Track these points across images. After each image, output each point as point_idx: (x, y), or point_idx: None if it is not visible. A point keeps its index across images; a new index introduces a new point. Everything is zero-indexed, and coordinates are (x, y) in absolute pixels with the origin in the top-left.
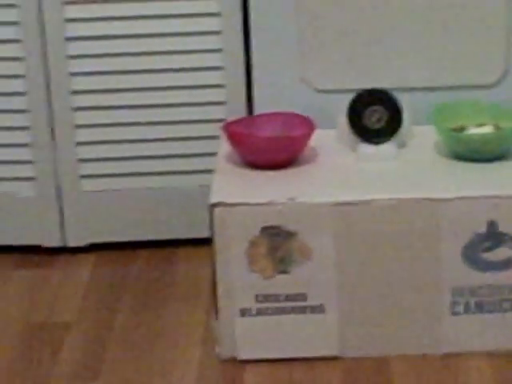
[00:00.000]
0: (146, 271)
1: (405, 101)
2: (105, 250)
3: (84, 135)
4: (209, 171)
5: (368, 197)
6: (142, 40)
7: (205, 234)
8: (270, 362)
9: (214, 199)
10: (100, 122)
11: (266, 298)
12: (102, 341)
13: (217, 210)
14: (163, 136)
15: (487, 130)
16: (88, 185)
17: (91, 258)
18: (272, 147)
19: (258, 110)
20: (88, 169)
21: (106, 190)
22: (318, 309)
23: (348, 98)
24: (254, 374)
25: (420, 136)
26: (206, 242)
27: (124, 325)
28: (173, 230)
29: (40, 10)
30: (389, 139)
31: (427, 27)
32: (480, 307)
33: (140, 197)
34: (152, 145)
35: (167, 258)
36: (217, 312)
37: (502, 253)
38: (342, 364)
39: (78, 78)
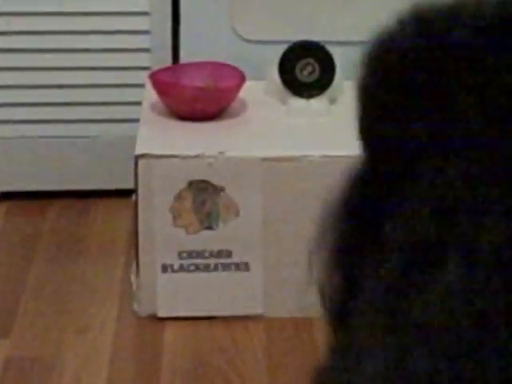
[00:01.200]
0: (61, 223)
1: (337, 54)
2: (17, 199)
3: None
4: (131, 120)
5: (298, 153)
6: None
7: (124, 185)
8: (192, 320)
9: (139, 150)
10: (15, 65)
11: (190, 254)
12: (13, 295)
13: (142, 162)
14: (83, 82)
15: None
16: None
17: (2, 207)
18: (200, 98)
19: (185, 58)
20: None
21: (20, 136)
22: (243, 266)
23: (279, 50)
24: (174, 333)
25: (352, 91)
26: (125, 193)
27: (37, 279)
28: (91, 181)
29: None
30: (320, 94)
31: None
32: None
33: (57, 145)
34: (71, 91)
35: (84, 209)
36: (137, 267)
37: None
38: (266, 323)
39: None
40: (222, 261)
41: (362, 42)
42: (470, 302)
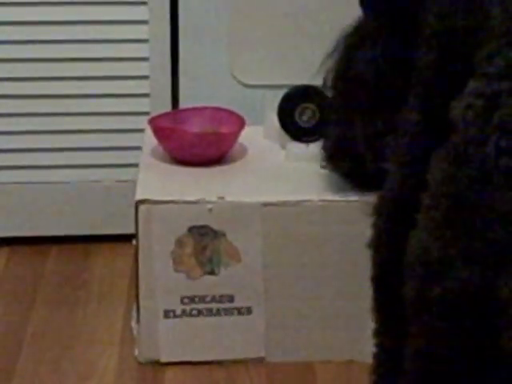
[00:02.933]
0: (61, 268)
1: None
2: (18, 245)
3: None
4: (131, 165)
5: (298, 197)
6: (62, 27)
7: (124, 230)
8: (193, 365)
9: (139, 196)
10: (14, 111)
11: (192, 299)
12: (15, 341)
13: (142, 208)
14: (83, 127)
15: None
16: (1, 176)
17: (3, 253)
18: (200, 143)
19: (184, 103)
20: (1, 160)
21: (20, 182)
22: (245, 311)
23: (278, 94)
24: (176, 378)
25: None
26: (126, 238)
27: (38, 324)
28: (92, 226)
29: None
30: (320, 138)
31: None
32: None
33: (57, 191)
34: (71, 136)
35: (85, 254)
36: (138, 313)
37: None
38: (267, 368)
39: None
40: (224, 305)
41: None
42: None
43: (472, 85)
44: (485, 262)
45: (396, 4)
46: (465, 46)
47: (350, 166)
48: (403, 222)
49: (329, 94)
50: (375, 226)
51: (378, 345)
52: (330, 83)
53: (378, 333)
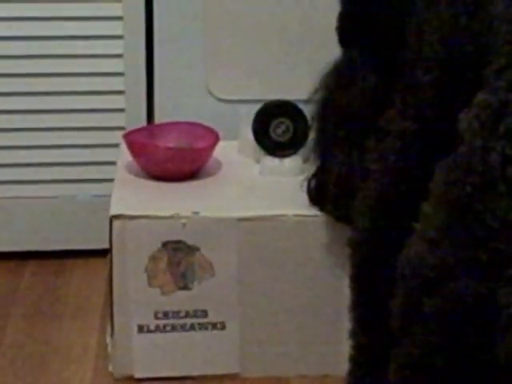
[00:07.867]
0: (36, 283)
1: (311, 113)
2: None
3: None
4: (106, 180)
5: (272, 212)
6: (39, 42)
7: (99, 245)
8: (168, 381)
9: (113, 211)
10: None
11: (166, 314)
12: None
13: (116, 223)
14: (58, 143)
15: None
16: None
17: None
18: (174, 159)
19: (159, 118)
20: None
21: None
22: (219, 326)
23: (253, 109)
24: None
25: None
26: (101, 253)
27: (13, 340)
28: (66, 241)
29: None
30: (294, 153)
31: (335, 39)
32: None
33: (31, 205)
34: (46, 152)
35: (60, 269)
36: (112, 328)
37: None
38: (242, 383)
39: None
40: (198, 320)
41: None
42: None
43: (479, 97)
44: (486, 271)
45: (378, 39)
46: (471, 64)
47: (333, 208)
48: (385, 222)
49: (316, 132)
50: (356, 226)
51: (355, 346)
52: (319, 118)
53: (354, 333)
